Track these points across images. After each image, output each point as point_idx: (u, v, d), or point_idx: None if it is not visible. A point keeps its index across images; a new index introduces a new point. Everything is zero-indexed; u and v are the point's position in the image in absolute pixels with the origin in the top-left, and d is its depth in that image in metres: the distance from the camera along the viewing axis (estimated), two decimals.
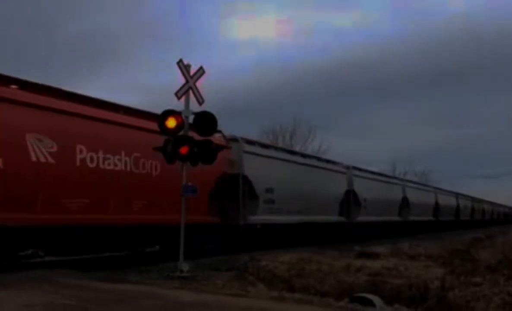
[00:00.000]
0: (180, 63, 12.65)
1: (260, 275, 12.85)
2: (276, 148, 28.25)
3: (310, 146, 53.40)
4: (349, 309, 9.27)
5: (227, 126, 19.60)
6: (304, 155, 31.26)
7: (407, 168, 74.75)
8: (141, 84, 75.01)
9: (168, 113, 12.47)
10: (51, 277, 10.43)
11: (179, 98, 12.68)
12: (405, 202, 39.52)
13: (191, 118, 12.87)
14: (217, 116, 12.69)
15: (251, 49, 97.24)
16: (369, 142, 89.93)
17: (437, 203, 48.61)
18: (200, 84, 12.80)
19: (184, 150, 12.51)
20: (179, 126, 12.46)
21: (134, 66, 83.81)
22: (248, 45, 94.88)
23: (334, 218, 28.06)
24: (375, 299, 9.97)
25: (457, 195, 59.56)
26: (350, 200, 30.04)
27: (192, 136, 12.89)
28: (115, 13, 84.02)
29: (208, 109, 12.83)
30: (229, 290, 10.42)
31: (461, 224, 54.91)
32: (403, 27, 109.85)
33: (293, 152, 30.11)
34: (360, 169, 33.42)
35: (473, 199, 69.56)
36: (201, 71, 12.84)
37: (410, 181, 48.08)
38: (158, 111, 12.82)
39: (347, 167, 31.42)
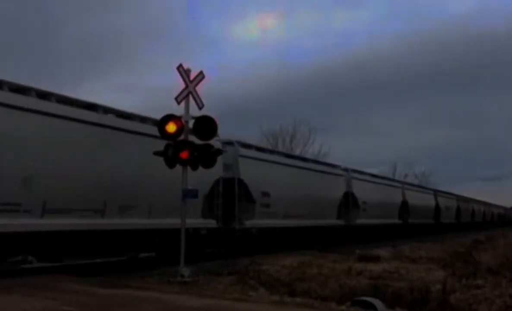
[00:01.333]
0: (180, 68, 12.66)
1: (261, 279, 12.82)
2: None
3: (310, 149, 53.40)
4: None
5: (226, 129, 19.69)
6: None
7: (407, 170, 74.65)
8: (143, 85, 75.04)
9: (168, 117, 12.47)
10: (50, 283, 10.40)
11: (179, 103, 12.68)
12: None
13: (191, 123, 12.87)
14: (217, 120, 12.69)
15: (250, 49, 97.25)
16: (369, 143, 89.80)
17: (403, 203, 39.18)
18: (200, 88, 12.80)
19: (184, 154, 12.50)
20: (179, 131, 12.45)
21: (137, 67, 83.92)
22: (247, 45, 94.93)
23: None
24: (377, 302, 9.92)
25: (435, 192, 50.50)
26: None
27: (192, 140, 12.88)
28: (119, 13, 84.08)
29: (207, 112, 12.84)
30: (230, 294, 10.40)
31: (442, 228, 46.82)
32: (403, 27, 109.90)
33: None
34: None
35: (459, 198, 60.12)
36: (200, 75, 12.84)
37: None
38: (162, 113, 12.81)
39: (346, 170, 31.07)
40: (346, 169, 31.16)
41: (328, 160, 37.54)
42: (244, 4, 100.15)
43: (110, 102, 16.09)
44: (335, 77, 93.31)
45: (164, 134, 12.55)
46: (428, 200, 46.33)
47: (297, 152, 47.44)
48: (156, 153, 12.95)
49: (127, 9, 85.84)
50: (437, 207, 47.81)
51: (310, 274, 13.74)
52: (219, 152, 13.28)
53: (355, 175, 31.80)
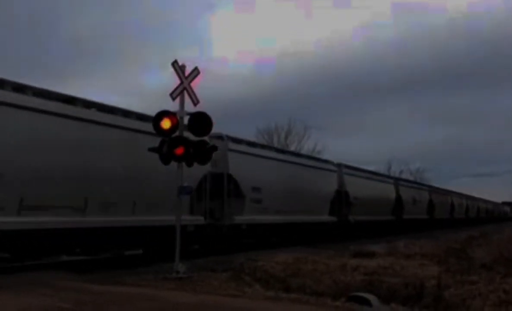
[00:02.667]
0: (175, 64, 12.62)
1: (256, 275, 12.85)
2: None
3: (305, 146, 53.49)
4: (345, 308, 9.26)
5: (222, 127, 19.54)
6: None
7: (403, 167, 74.83)
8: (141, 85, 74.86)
9: (163, 114, 12.44)
10: (46, 280, 10.39)
11: (173, 99, 12.65)
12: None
13: (186, 119, 12.85)
14: (212, 117, 12.67)
15: (247, 47, 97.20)
16: (364, 141, 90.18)
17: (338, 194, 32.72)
18: (196, 84, 12.77)
19: (179, 151, 12.47)
20: (174, 127, 12.43)
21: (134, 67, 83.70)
22: (244, 44, 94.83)
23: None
24: (372, 298, 9.97)
25: (396, 181, 42.05)
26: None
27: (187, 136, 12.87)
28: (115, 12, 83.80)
29: (203, 110, 12.81)
30: (225, 290, 10.40)
31: (404, 225, 38.21)
32: (399, 27, 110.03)
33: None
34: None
35: (432, 189, 52.21)
36: (195, 71, 12.80)
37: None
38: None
39: (338, 165, 30.76)
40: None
41: (321, 157, 37.23)
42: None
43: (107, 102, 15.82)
44: (331, 76, 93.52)
45: (159, 131, 12.52)
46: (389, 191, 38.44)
47: (291, 149, 47.47)
48: (151, 150, 12.92)
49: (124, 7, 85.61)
50: (398, 196, 38.96)
51: (305, 270, 13.76)
52: (214, 148, 13.25)
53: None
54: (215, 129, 13.72)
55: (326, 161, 30.98)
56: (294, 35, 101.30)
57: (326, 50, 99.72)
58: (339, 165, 30.82)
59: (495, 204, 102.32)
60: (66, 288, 9.70)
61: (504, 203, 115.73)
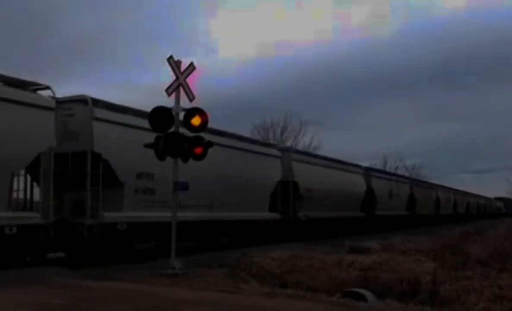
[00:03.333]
0: (170, 59, 12.57)
1: (252, 271, 12.85)
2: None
3: (301, 142, 53.46)
4: (341, 304, 9.28)
5: (219, 122, 19.35)
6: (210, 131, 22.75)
7: (398, 163, 74.82)
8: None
9: (159, 110, 12.41)
10: (41, 276, 10.39)
11: (169, 95, 12.61)
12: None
13: (182, 115, 12.80)
14: (208, 112, 12.63)
15: (243, 45, 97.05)
16: (360, 137, 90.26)
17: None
18: (194, 81, 12.71)
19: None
20: (170, 123, 12.39)
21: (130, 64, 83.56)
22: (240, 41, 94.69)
23: (261, 214, 21.89)
24: (367, 293, 10.00)
25: (367, 171, 35.28)
26: (288, 192, 23.88)
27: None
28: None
29: (199, 105, 12.77)
30: (221, 286, 10.41)
31: (377, 223, 33.19)
32: (394, 25, 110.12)
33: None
34: (302, 153, 27.71)
35: (413, 182, 46.83)
36: (191, 67, 12.75)
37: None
38: None
39: (285, 150, 26.04)
40: (286, 149, 26.75)
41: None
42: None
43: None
44: (327, 73, 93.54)
45: (154, 126, 12.49)
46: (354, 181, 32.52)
47: (287, 144, 47.40)
48: (147, 146, 12.89)
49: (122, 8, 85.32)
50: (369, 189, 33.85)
51: (301, 266, 13.76)
52: (210, 144, 13.21)
53: (297, 157, 26.05)
54: (211, 125, 13.65)
55: (270, 145, 27.47)
56: (290, 31, 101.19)
57: (323, 46, 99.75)
58: (287, 150, 26.51)
59: (487, 199, 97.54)
60: (62, 284, 9.69)
61: (497, 199, 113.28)
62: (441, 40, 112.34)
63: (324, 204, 26.06)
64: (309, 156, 29.17)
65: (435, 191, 52.93)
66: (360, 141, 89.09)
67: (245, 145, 21.81)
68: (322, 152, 39.38)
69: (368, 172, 35.20)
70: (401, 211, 39.56)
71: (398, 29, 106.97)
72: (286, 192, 23.86)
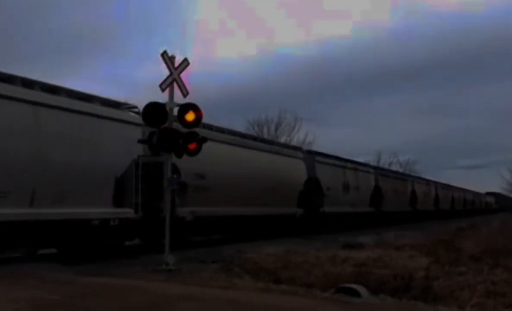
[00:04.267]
0: (164, 54, 12.54)
1: (246, 267, 12.84)
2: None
3: (295, 137, 53.49)
4: (335, 299, 9.28)
5: (212, 118, 19.42)
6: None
7: (392, 158, 74.90)
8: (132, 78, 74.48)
9: (153, 105, 12.38)
10: (34, 272, 10.34)
11: (163, 90, 12.58)
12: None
13: (176, 111, 12.79)
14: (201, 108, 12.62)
15: (238, 42, 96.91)
16: (354, 133, 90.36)
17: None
18: (186, 76, 12.69)
19: (169, 142, 12.43)
20: (164, 118, 12.37)
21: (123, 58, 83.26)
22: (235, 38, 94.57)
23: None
24: (361, 289, 10.00)
25: (305, 154, 28.13)
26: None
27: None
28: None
29: (193, 101, 12.75)
30: (215, 282, 10.39)
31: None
32: (388, 21, 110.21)
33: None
34: (215, 128, 20.53)
35: (376, 171, 39.45)
36: (185, 62, 12.74)
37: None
38: None
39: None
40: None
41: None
42: None
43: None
44: (321, 68, 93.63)
45: (148, 122, 12.47)
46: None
47: (282, 140, 47.39)
48: (141, 141, 12.88)
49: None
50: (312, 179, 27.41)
51: (295, 262, 13.76)
52: (204, 140, 13.19)
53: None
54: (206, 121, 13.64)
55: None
56: (286, 28, 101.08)
57: (318, 42, 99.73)
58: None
59: (476, 194, 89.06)
60: (54, 280, 9.65)
61: (488, 194, 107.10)
62: (436, 35, 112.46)
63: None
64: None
65: (410, 183, 46.55)
66: (354, 137, 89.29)
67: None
68: (316, 148, 39.40)
69: (312, 156, 28.02)
70: (365, 207, 33.96)
71: (391, 24, 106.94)
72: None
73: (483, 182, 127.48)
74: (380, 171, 40.77)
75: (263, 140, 27.87)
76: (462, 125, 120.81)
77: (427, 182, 53.35)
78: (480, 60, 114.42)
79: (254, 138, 26.50)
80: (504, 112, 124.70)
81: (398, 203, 40.33)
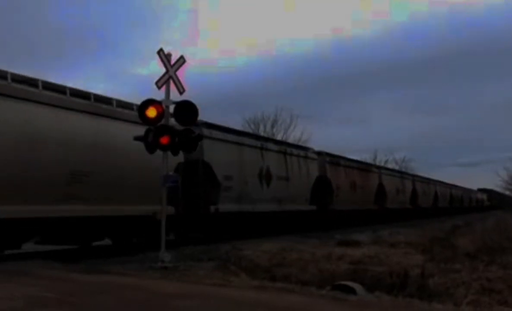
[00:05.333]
0: (160, 52, 12.53)
1: (242, 264, 12.85)
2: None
3: (291, 135, 53.55)
4: (330, 296, 9.29)
5: (209, 116, 19.44)
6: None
7: (388, 156, 74.94)
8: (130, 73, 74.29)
9: (149, 102, 12.36)
10: (30, 269, 10.31)
11: (159, 88, 12.57)
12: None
13: (172, 108, 12.78)
14: (198, 106, 12.61)
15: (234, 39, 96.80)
16: (350, 131, 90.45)
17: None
18: (182, 73, 12.67)
19: (165, 140, 12.42)
20: (160, 116, 12.36)
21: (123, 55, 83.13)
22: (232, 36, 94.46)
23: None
24: (356, 286, 10.01)
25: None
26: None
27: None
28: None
29: (189, 99, 12.74)
30: (211, 280, 10.39)
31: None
32: (383, 18, 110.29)
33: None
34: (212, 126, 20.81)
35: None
36: (181, 60, 12.73)
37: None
38: None
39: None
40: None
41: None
42: None
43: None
44: (317, 67, 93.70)
45: (144, 119, 12.45)
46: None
47: (278, 138, 47.44)
48: (137, 138, 12.86)
49: None
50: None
51: (290, 260, 13.79)
52: (199, 137, 13.19)
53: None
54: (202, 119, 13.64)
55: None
56: (281, 26, 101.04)
57: (314, 40, 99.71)
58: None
59: (466, 190, 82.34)
60: (51, 277, 9.63)
61: (480, 190, 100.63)
62: (431, 32, 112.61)
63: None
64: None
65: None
66: (350, 134, 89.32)
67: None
68: (312, 145, 39.34)
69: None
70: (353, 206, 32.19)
71: (386, 20, 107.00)
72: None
73: (479, 180, 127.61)
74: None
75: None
76: (458, 123, 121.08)
77: (405, 176, 49.63)
78: (477, 56, 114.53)
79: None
80: (500, 110, 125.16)
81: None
